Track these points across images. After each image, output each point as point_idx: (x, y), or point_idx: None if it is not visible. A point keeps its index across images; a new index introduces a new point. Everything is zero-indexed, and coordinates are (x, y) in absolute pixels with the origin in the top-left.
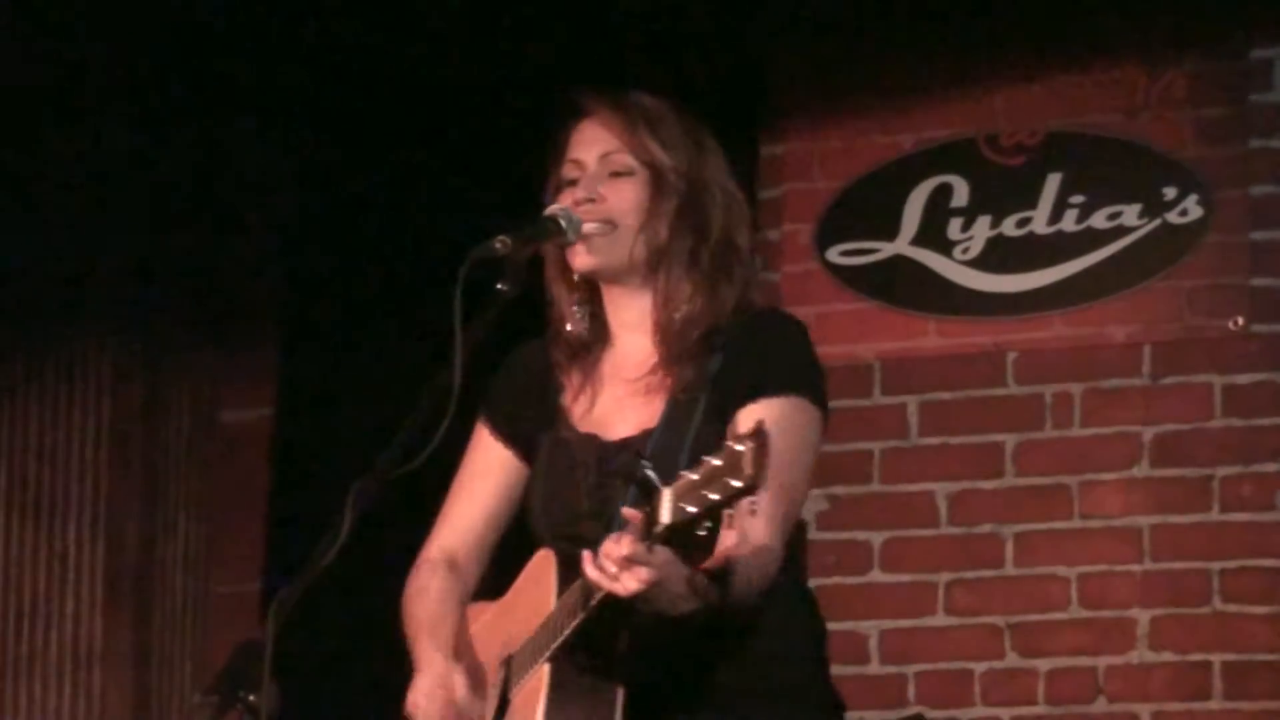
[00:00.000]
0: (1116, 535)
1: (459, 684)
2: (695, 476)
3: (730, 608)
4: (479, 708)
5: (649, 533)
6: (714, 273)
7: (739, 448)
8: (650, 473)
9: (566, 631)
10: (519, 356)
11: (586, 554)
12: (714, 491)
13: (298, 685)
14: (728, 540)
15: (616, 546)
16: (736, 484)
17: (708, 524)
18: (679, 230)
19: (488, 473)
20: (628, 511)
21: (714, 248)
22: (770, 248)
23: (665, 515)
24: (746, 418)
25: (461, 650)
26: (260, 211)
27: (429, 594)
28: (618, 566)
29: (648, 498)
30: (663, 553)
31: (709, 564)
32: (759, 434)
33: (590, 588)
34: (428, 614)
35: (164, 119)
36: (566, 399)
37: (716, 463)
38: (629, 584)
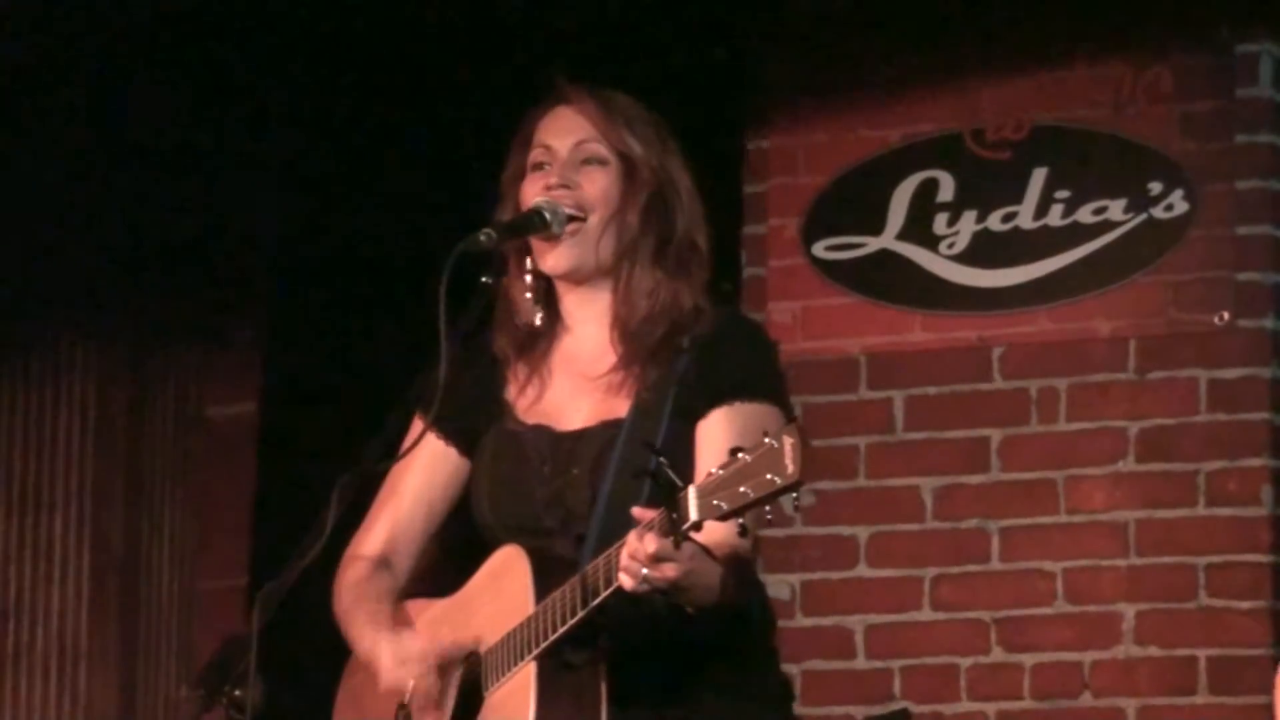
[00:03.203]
0: (1102, 530)
1: (420, 645)
2: (723, 473)
3: (739, 606)
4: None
5: (674, 529)
6: (676, 271)
7: (775, 443)
8: (668, 470)
9: (561, 630)
10: (459, 353)
11: (623, 558)
12: (751, 488)
13: (283, 680)
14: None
15: (642, 545)
16: (777, 480)
17: (741, 521)
18: (647, 224)
19: (427, 469)
20: (638, 511)
21: (678, 245)
22: (756, 242)
23: (693, 512)
24: (721, 419)
25: None
26: (246, 207)
27: (364, 589)
28: (645, 565)
29: (666, 494)
30: (689, 548)
31: (723, 556)
32: (798, 428)
33: (591, 585)
34: (367, 608)
35: (151, 115)
36: (511, 392)
37: (748, 458)
38: (655, 581)
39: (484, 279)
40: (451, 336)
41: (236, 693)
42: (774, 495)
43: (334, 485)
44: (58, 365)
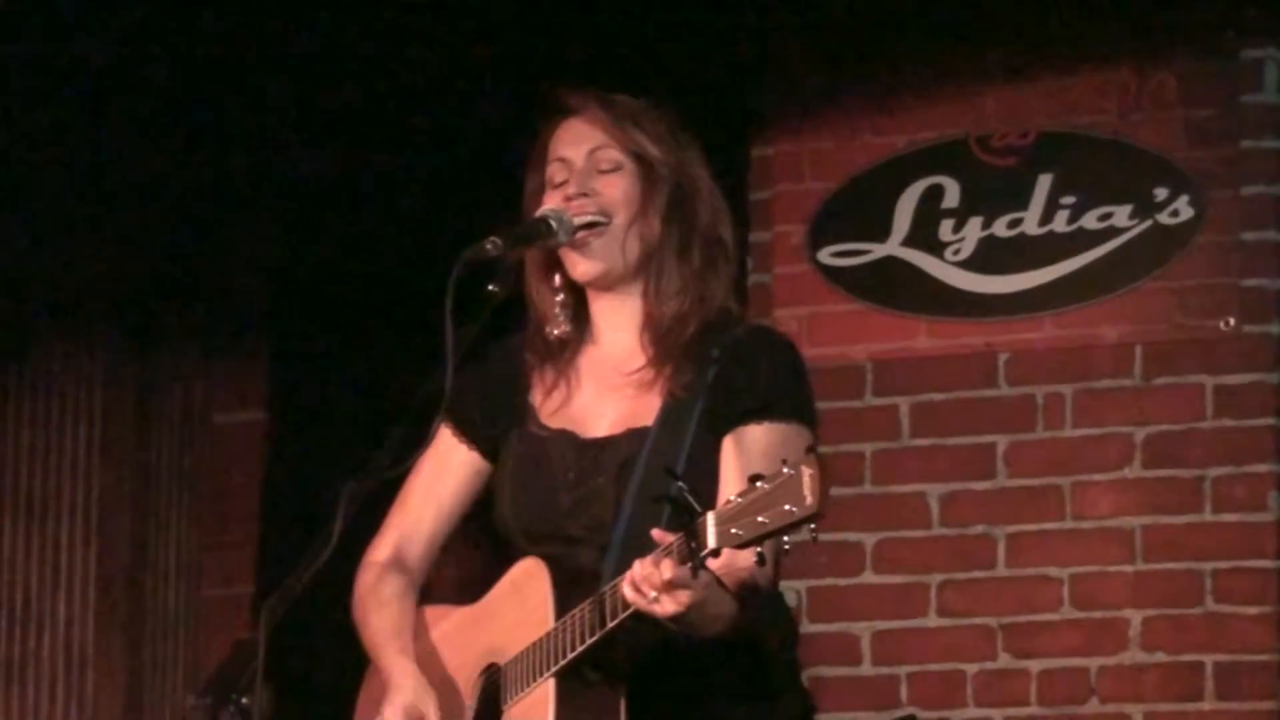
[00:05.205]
0: (1108, 536)
1: (433, 707)
2: (742, 500)
3: (751, 633)
4: None
5: (692, 556)
6: (703, 268)
7: (794, 473)
8: (688, 495)
9: (581, 648)
10: (483, 356)
11: (628, 578)
12: (768, 518)
13: (290, 688)
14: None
15: (657, 570)
16: (794, 511)
17: (759, 551)
18: (670, 223)
19: (447, 474)
20: (659, 534)
21: (702, 241)
22: (762, 249)
23: (711, 540)
24: (747, 437)
25: (425, 656)
26: (251, 215)
27: (386, 598)
28: (658, 590)
29: (685, 520)
30: (706, 575)
31: (736, 584)
32: (817, 459)
33: (610, 605)
34: (389, 620)
35: (155, 124)
36: (535, 397)
37: (767, 487)
38: (667, 607)
39: (490, 287)
40: (458, 343)
41: (243, 701)
42: (791, 526)
43: (340, 493)
44: (64, 374)
